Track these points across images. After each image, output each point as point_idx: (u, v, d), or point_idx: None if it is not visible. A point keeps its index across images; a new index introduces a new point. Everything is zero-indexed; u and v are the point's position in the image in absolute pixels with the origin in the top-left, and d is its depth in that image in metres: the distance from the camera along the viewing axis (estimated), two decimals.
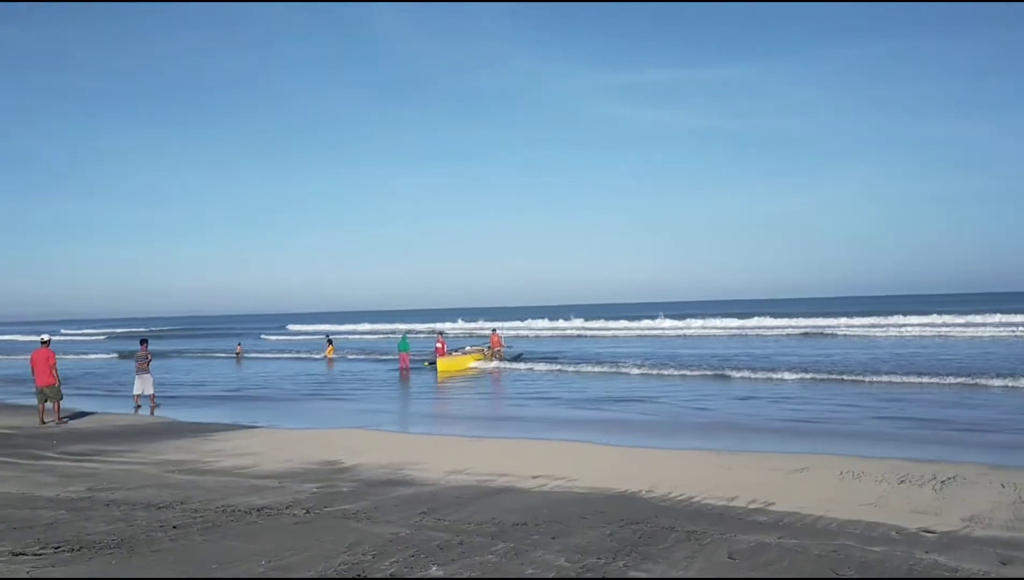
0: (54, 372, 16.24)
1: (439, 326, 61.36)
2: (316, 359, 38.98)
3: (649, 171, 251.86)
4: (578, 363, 28.63)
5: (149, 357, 19.22)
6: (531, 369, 28.33)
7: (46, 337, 16.95)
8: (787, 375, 21.42)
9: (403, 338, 31.84)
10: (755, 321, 55.44)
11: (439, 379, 26.26)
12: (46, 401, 16.20)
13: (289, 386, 25.42)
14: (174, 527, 7.06)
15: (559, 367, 28.20)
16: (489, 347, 31.87)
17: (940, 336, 38.84)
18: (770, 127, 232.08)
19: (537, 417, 16.18)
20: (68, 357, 44.83)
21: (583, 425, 14.60)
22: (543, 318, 76.26)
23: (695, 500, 7.70)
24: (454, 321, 78.37)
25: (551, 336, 54.70)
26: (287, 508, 7.80)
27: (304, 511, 7.62)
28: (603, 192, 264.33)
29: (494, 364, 29.86)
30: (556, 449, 11.43)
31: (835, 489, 8.12)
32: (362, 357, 39.18)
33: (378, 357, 38.59)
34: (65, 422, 16.28)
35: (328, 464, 10.64)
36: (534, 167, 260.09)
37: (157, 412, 18.28)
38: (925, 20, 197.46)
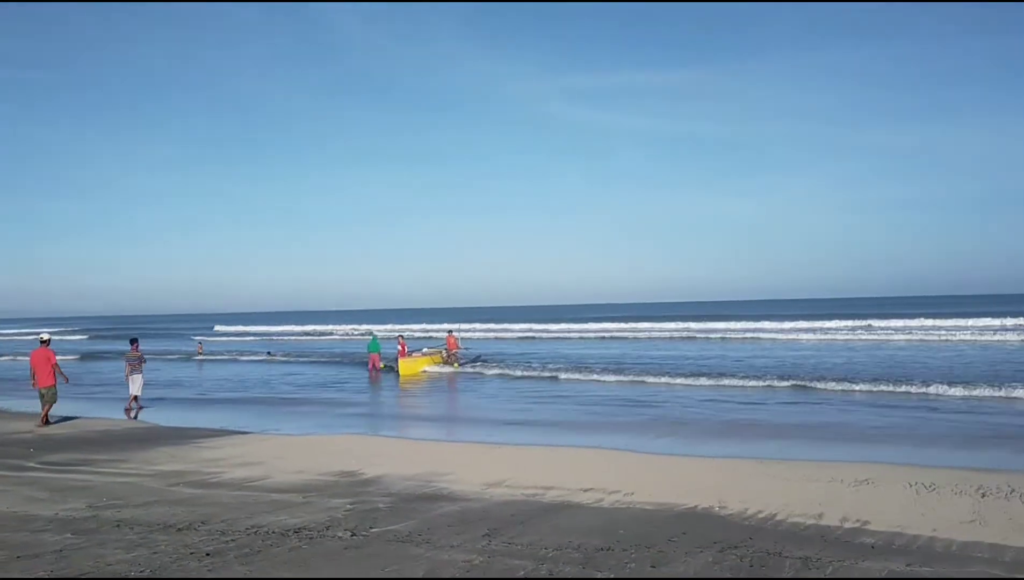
0: (57, 372, 15.44)
1: (400, 328, 59.74)
2: (273, 361, 37.41)
3: (607, 174, 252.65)
4: (554, 366, 27.48)
5: (142, 357, 18.17)
6: (479, 373, 27.14)
7: (46, 336, 16.14)
8: (777, 382, 20.94)
9: (373, 339, 30.75)
10: (723, 324, 55.37)
11: (401, 382, 25.24)
12: (44, 403, 15.42)
13: (260, 389, 24.29)
14: (207, 554, 6.18)
15: (525, 371, 26.71)
16: (446, 349, 30.47)
17: (922, 341, 39.06)
18: (727, 131, 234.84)
19: (541, 421, 15.51)
20: (23, 358, 42.92)
21: (595, 429, 13.96)
22: (500, 320, 75.52)
23: (780, 519, 7.06)
24: (403, 323, 76.95)
25: (510, 338, 53.65)
26: (327, 529, 6.95)
27: (349, 533, 6.79)
28: (561, 194, 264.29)
29: (451, 368, 28.54)
30: (588, 457, 10.72)
31: (918, 503, 7.57)
32: (309, 360, 37.69)
33: (322, 359, 36.94)
34: (48, 424, 15.20)
35: (347, 475, 9.77)
36: (491, 169, 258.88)
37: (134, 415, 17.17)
38: (886, 24, 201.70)
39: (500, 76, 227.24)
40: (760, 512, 7.29)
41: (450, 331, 34.47)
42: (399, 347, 28.65)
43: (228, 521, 7.31)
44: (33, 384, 15.36)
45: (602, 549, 6.12)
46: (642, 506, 7.70)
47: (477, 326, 65.58)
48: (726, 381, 21.49)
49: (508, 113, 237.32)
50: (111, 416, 17.13)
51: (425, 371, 28.00)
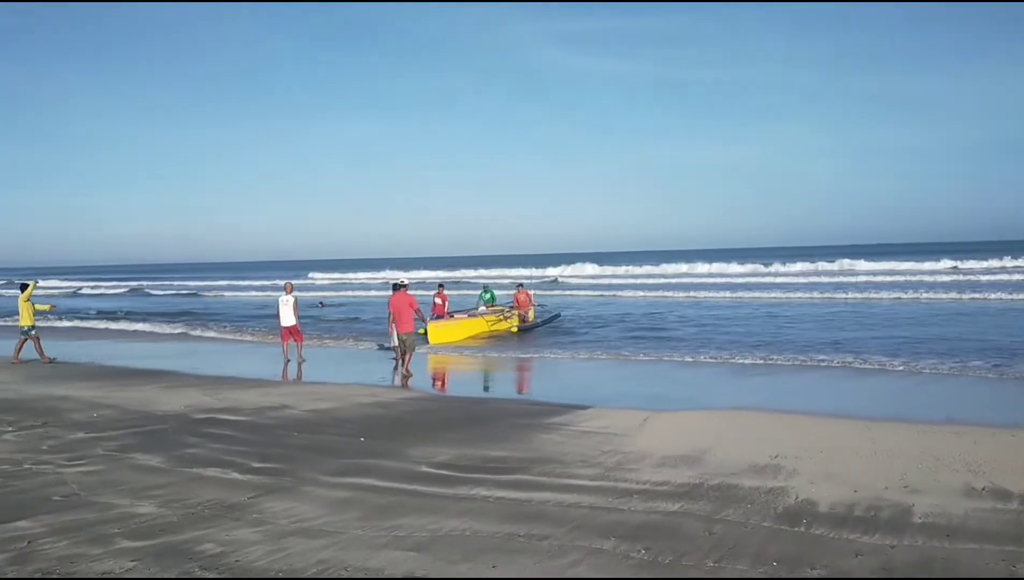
0: (419, 317, 14.98)
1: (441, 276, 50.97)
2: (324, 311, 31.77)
3: (597, 120, 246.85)
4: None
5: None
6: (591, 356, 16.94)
7: (405, 280, 15.72)
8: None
9: (483, 291, 23.70)
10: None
11: (431, 355, 17.88)
12: (405, 351, 14.52)
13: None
14: None
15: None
16: (511, 308, 22.22)
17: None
18: (716, 77, 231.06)
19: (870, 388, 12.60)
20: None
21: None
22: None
23: None
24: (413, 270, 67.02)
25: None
26: None
27: None
28: (551, 140, 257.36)
29: (511, 333, 20.97)
30: None
31: None
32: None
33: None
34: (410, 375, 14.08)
35: (975, 492, 6.63)
36: (480, 115, 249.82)
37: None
38: None
39: (490, 20, 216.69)
40: None
41: (520, 285, 23.77)
42: (437, 301, 21.35)
43: None
44: (390, 330, 15.01)
45: None
46: None
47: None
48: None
49: (498, 58, 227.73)
50: (325, 379, 13.78)
51: (469, 339, 20.12)
